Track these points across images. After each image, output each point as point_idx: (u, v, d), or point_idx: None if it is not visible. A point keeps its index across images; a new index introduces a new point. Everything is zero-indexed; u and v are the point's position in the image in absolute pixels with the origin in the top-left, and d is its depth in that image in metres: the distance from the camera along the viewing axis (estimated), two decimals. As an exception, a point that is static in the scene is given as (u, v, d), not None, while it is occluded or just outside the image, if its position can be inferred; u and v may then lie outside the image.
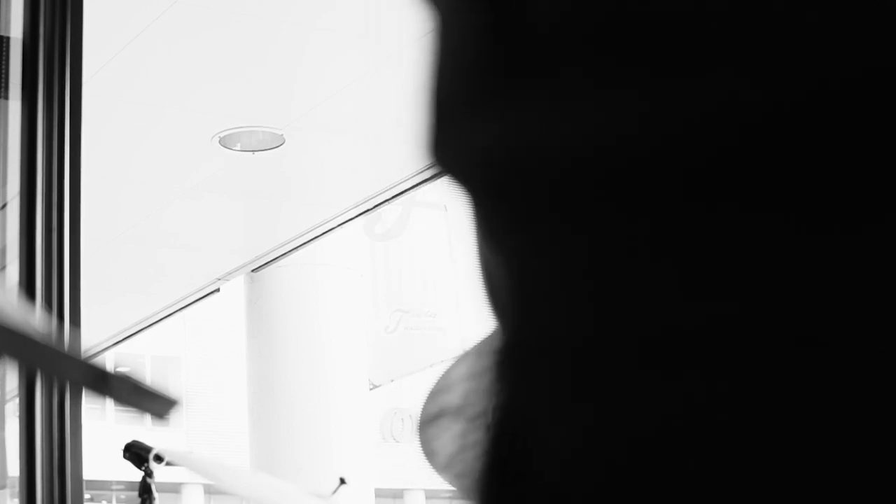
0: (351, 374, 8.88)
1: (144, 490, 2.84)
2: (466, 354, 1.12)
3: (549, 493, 0.34)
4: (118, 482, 22.41)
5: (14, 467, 2.95)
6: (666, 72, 0.33)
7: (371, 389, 10.15)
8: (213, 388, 23.67)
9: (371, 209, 6.85)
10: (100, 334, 8.16)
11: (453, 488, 1.16)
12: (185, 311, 8.25)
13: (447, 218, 11.62)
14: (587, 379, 0.34)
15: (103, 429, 16.58)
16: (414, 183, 6.43)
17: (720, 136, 0.32)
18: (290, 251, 7.40)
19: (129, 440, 2.90)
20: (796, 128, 0.32)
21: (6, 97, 3.26)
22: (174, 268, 7.60)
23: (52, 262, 2.97)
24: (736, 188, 0.32)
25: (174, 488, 23.43)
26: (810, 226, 0.32)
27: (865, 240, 0.32)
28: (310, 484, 3.32)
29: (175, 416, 0.68)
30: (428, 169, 0.40)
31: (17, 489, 2.94)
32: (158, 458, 2.81)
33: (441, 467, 1.13)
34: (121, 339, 8.45)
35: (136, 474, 2.85)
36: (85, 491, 2.95)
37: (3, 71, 3.26)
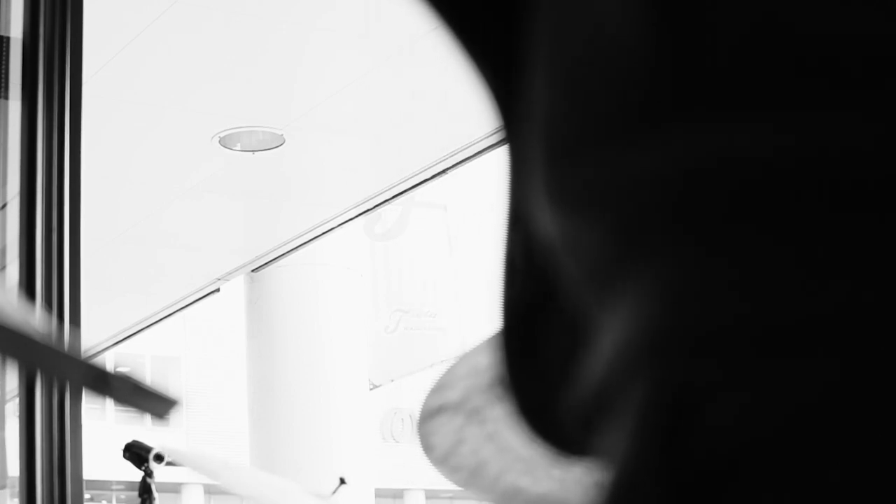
0: (351, 374, 8.88)
1: (144, 490, 2.84)
2: (469, 352, 1.13)
3: (718, 453, 0.34)
4: (118, 482, 22.41)
5: (14, 467, 2.95)
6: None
7: (371, 389, 10.15)
8: (213, 388, 23.67)
9: (371, 209, 6.85)
10: (100, 334, 8.16)
11: (450, 482, 1.16)
12: (185, 311, 8.25)
13: (447, 218, 11.62)
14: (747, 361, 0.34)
15: (103, 429, 16.58)
16: (414, 183, 6.43)
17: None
18: (290, 251, 7.40)
19: (129, 440, 2.90)
20: None
21: (6, 97, 3.26)
22: (174, 268, 7.60)
23: (52, 262, 2.98)
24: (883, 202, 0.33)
25: (174, 488, 23.43)
26: None
27: None
28: (310, 484, 3.32)
29: (175, 416, 0.68)
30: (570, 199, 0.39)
31: (17, 489, 2.94)
32: (158, 458, 2.81)
33: (438, 461, 1.13)
34: (121, 339, 8.46)
35: (136, 474, 2.85)
36: (85, 491, 2.96)
37: (3, 71, 3.26)
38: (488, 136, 5.62)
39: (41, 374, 1.50)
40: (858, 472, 0.32)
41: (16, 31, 3.20)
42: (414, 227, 11.82)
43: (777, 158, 0.34)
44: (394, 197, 6.63)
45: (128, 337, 8.49)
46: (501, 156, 0.44)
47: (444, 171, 6.25)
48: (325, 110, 5.70)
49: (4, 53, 3.27)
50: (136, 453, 2.84)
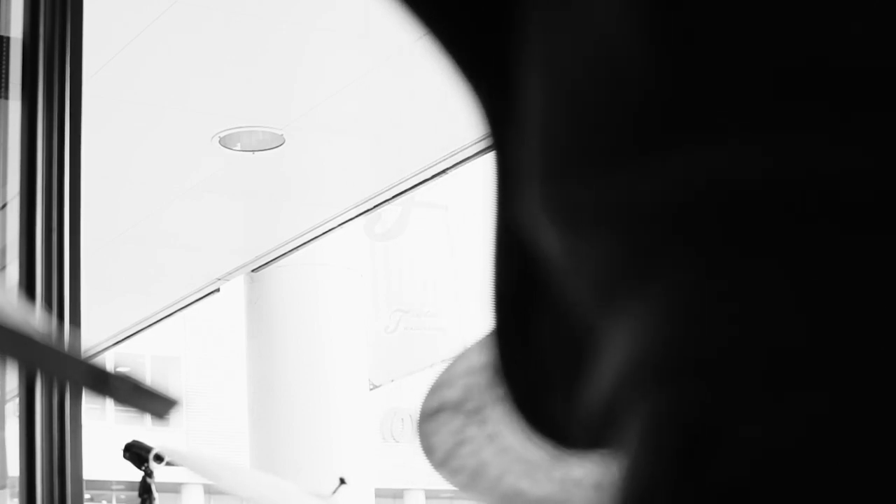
0: (351, 374, 8.88)
1: (144, 490, 2.84)
2: (467, 350, 1.12)
3: (734, 486, 0.35)
4: (118, 482, 22.41)
5: (14, 467, 2.95)
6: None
7: (371, 389, 10.15)
8: (213, 388, 23.67)
9: (371, 209, 6.85)
10: (100, 334, 8.16)
11: (450, 484, 1.16)
12: (185, 311, 8.25)
13: (447, 218, 11.62)
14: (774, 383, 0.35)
15: (103, 429, 16.58)
16: (414, 183, 6.43)
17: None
18: (290, 251, 7.40)
19: (129, 440, 2.90)
20: None
21: (6, 97, 3.26)
22: (174, 268, 7.60)
23: (52, 262, 2.97)
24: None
25: (174, 488, 23.43)
26: None
27: None
28: (310, 484, 3.32)
29: (175, 416, 0.68)
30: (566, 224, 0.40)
31: (17, 489, 2.94)
32: (158, 458, 2.81)
33: (438, 463, 1.13)
34: (121, 339, 8.45)
35: (136, 474, 2.85)
36: (85, 491, 2.95)
37: (3, 71, 3.26)
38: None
39: (41, 374, 1.50)
40: (874, 495, 0.32)
41: (16, 31, 3.20)
42: (414, 227, 11.82)
43: (763, 181, 0.35)
44: (394, 197, 6.63)
45: (128, 337, 8.49)
46: (489, 162, 0.44)
47: (444, 171, 6.25)
48: (325, 110, 5.70)
49: (4, 53, 3.27)
50: (136, 453, 2.84)
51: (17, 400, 2.98)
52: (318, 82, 5.49)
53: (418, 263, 12.43)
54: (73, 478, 2.88)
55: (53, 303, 2.94)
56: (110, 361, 6.92)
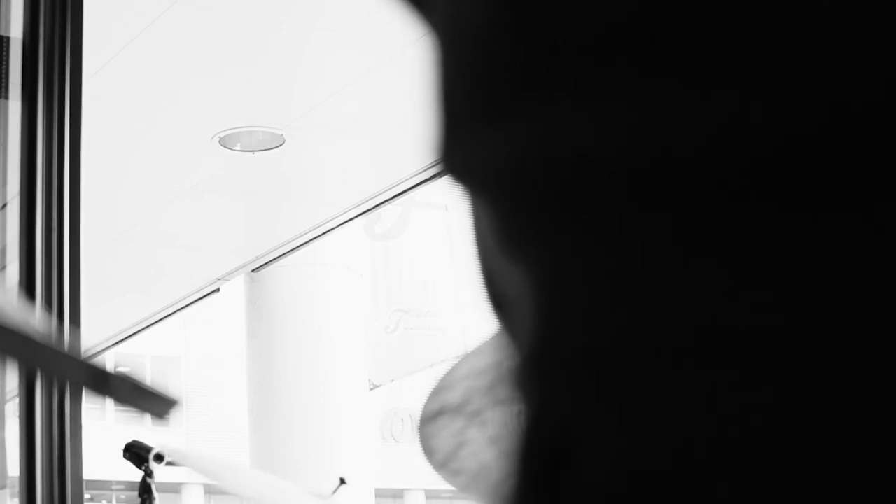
0: (351, 374, 8.88)
1: (144, 490, 2.84)
2: (469, 354, 1.12)
3: (589, 494, 0.34)
4: (118, 482, 22.41)
5: (14, 467, 2.95)
6: (684, 82, 0.33)
7: (371, 389, 10.15)
8: (213, 388, 23.67)
9: (371, 209, 6.85)
10: (100, 334, 8.16)
11: (451, 486, 1.16)
12: (185, 311, 8.25)
13: (447, 218, 11.62)
14: (625, 382, 0.34)
15: (103, 429, 16.58)
16: (414, 183, 6.43)
17: (754, 141, 0.32)
18: (290, 251, 7.40)
19: (129, 440, 2.90)
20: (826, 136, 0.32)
21: (6, 97, 3.26)
22: (174, 268, 7.60)
23: (52, 262, 2.97)
24: (772, 188, 0.32)
25: (174, 488, 23.43)
26: (856, 224, 0.32)
27: None
28: (310, 484, 3.32)
29: (175, 416, 0.68)
30: (437, 173, 0.40)
31: (17, 489, 2.94)
32: (158, 458, 2.81)
33: (439, 465, 1.13)
34: (121, 339, 8.45)
35: (136, 474, 2.85)
36: (85, 491, 2.95)
37: (3, 71, 3.26)
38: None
39: (41, 374, 1.49)
40: None
41: (16, 31, 3.20)
42: (414, 227, 11.82)
43: (588, 151, 0.34)
44: (394, 197, 6.63)
45: (128, 337, 8.49)
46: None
47: (444, 171, 6.24)
48: (325, 110, 5.70)
49: (4, 53, 3.27)
50: (136, 453, 2.84)
51: (17, 400, 2.98)
52: (318, 82, 5.49)
53: (418, 263, 12.43)
54: (73, 478, 2.88)
55: (53, 303, 2.94)
56: (110, 361, 6.93)
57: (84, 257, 3.02)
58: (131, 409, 0.66)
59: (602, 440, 0.34)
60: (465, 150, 0.39)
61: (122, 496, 24.40)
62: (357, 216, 6.89)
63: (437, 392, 1.10)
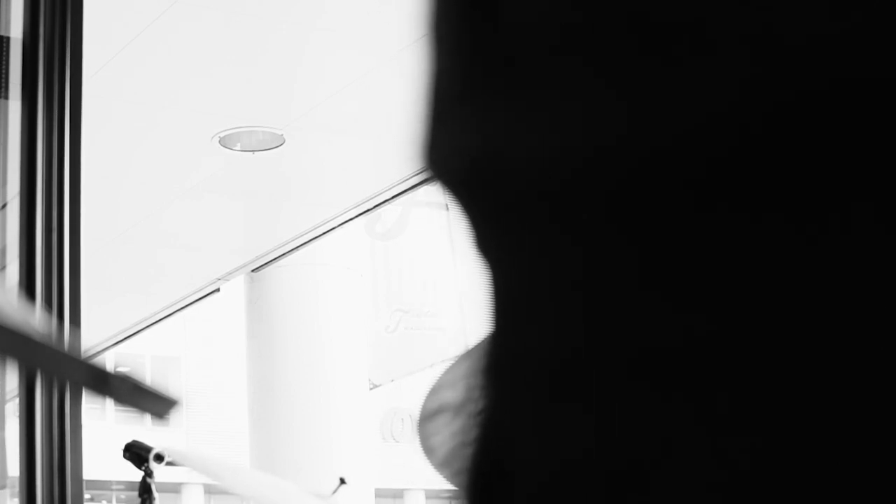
0: (351, 374, 8.88)
1: (144, 490, 2.84)
2: (467, 352, 1.12)
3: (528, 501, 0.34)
4: (118, 482, 22.41)
5: (14, 467, 2.95)
6: (654, 76, 0.33)
7: (371, 389, 10.14)
8: (213, 388, 23.67)
9: (371, 209, 6.85)
10: (100, 334, 8.16)
11: (451, 485, 1.16)
12: (185, 311, 8.24)
13: (447, 218, 11.61)
14: (572, 391, 0.33)
15: (103, 429, 16.58)
16: (414, 183, 6.43)
17: (710, 145, 0.32)
18: (290, 251, 7.40)
19: (129, 440, 2.90)
20: (783, 134, 0.32)
21: (6, 97, 3.26)
22: (174, 268, 7.59)
23: (52, 262, 2.97)
24: (730, 197, 0.32)
25: (174, 488, 23.43)
26: (801, 236, 0.32)
27: (854, 245, 0.31)
28: (310, 484, 3.32)
29: (175, 416, 0.68)
30: (420, 171, 0.41)
31: (17, 489, 2.94)
32: (158, 458, 2.81)
33: (438, 464, 1.13)
34: (121, 339, 8.45)
35: (136, 474, 2.85)
36: (85, 491, 2.95)
37: (3, 71, 3.26)
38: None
39: (41, 374, 1.50)
40: None
41: (16, 31, 3.20)
42: (414, 227, 11.82)
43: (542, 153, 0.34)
44: (394, 197, 6.62)
45: (128, 337, 8.49)
46: None
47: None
48: (325, 110, 5.70)
49: (4, 53, 3.27)
50: (136, 453, 2.84)
51: (17, 400, 2.98)
52: (318, 82, 5.49)
53: (418, 263, 12.42)
54: (73, 478, 2.88)
55: (53, 303, 2.94)
56: (110, 361, 6.93)
57: (84, 257, 3.02)
58: (131, 409, 0.66)
59: (534, 462, 0.34)
60: (443, 146, 0.39)
61: (122, 496, 24.40)
62: (357, 216, 6.89)
63: (436, 391, 1.10)
